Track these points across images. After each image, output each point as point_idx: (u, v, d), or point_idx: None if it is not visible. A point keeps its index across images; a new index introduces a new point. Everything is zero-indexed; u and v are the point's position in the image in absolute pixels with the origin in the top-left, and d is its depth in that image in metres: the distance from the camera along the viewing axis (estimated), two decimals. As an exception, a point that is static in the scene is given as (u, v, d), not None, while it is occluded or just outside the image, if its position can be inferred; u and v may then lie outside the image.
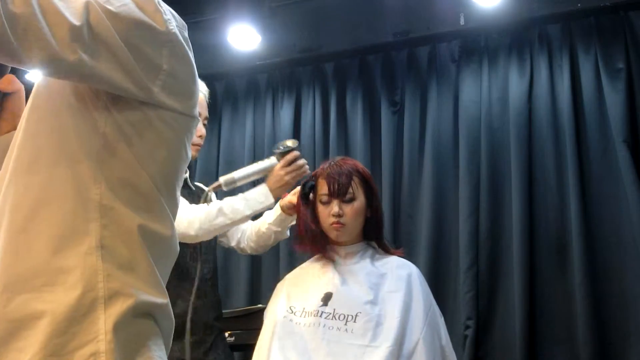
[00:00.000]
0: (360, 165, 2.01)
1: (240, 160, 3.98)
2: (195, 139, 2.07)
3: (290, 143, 2.01)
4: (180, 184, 1.15)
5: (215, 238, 2.21)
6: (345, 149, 3.71)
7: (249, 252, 2.28)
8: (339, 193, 1.92)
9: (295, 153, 2.02)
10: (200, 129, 2.16)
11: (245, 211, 1.97)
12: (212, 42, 3.78)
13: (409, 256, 2.07)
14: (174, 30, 1.05)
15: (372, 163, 3.60)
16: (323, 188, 1.95)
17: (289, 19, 3.77)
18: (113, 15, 0.98)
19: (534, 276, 3.20)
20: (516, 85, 3.37)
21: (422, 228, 3.46)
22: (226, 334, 2.62)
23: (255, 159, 3.95)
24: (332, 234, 1.96)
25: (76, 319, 0.95)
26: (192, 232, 1.92)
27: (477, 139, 3.41)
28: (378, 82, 3.72)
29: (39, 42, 0.91)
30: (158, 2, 1.04)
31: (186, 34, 1.11)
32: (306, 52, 3.84)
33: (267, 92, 4.00)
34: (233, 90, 4.11)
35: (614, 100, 3.11)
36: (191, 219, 1.93)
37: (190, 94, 1.11)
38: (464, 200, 3.35)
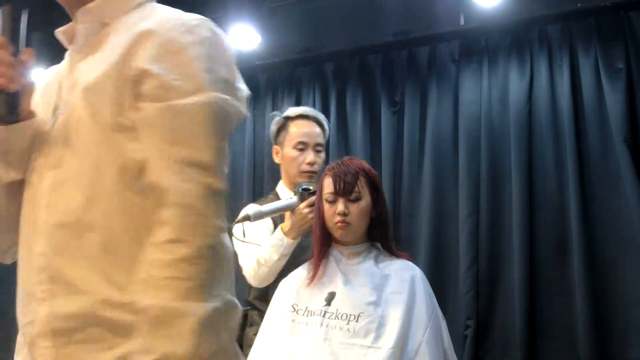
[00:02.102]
0: (367, 165, 2.00)
1: (240, 160, 3.98)
2: (304, 166, 2.36)
3: (312, 187, 2.18)
4: None
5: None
6: (346, 149, 3.71)
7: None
8: (345, 192, 1.91)
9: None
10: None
11: (273, 257, 2.21)
12: (212, 42, 3.77)
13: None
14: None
15: (372, 163, 3.59)
16: (329, 186, 1.94)
17: (289, 19, 3.77)
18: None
19: (534, 276, 3.20)
20: (516, 85, 3.38)
21: (422, 228, 3.47)
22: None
23: (255, 159, 3.96)
24: (337, 233, 1.95)
25: (164, 321, 0.97)
26: (253, 283, 2.30)
27: (477, 139, 3.41)
28: (378, 82, 3.72)
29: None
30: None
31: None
32: (306, 52, 3.84)
33: (267, 92, 4.00)
34: (233, 90, 4.10)
35: (614, 100, 3.12)
36: (249, 271, 2.29)
37: None
38: (464, 200, 3.36)
